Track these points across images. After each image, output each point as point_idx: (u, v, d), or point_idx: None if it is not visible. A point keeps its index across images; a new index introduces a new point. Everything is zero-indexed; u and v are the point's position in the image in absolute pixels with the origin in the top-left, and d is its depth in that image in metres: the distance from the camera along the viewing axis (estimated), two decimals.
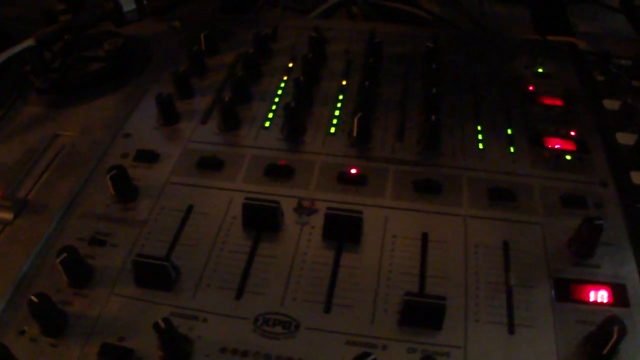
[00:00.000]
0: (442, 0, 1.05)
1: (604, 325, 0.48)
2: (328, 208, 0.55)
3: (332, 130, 0.66)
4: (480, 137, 0.66)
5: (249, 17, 0.91)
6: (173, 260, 0.54)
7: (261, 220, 0.56)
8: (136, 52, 0.80)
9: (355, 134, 0.64)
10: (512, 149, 0.65)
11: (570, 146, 0.65)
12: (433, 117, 0.62)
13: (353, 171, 0.62)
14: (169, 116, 0.68)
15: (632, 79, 0.75)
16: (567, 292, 0.52)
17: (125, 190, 0.60)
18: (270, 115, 0.69)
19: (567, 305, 0.51)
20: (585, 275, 0.53)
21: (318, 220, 0.56)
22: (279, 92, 0.72)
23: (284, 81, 0.74)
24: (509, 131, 0.67)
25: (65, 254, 0.52)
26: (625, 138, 0.67)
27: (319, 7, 0.92)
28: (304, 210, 0.58)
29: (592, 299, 0.52)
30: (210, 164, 0.63)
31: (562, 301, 0.52)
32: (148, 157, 0.64)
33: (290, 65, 0.77)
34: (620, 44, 0.91)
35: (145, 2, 0.78)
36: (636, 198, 0.61)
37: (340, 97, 0.71)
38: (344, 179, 0.61)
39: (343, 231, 0.55)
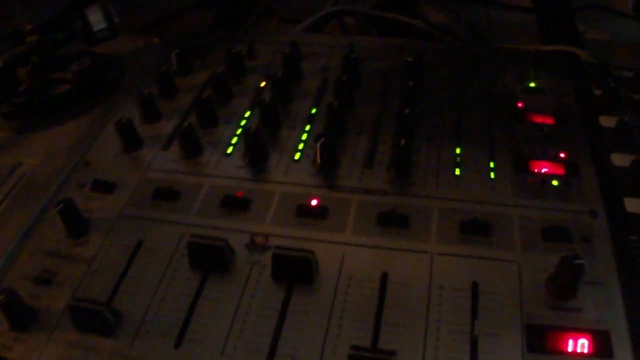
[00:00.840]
0: (445, 10, 1.00)
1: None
2: (276, 247, 0.51)
3: (297, 156, 0.62)
4: (457, 160, 0.60)
5: (233, 34, 0.87)
6: (115, 302, 0.51)
7: (208, 260, 0.52)
8: (108, 72, 0.77)
9: (318, 160, 0.59)
10: (492, 175, 0.59)
11: (559, 170, 0.59)
12: (402, 142, 0.57)
13: (314, 203, 0.57)
14: (130, 143, 0.64)
15: (634, 93, 0.68)
16: (541, 341, 0.47)
17: (75, 224, 0.57)
18: (234, 140, 0.65)
19: (539, 358, 0.46)
20: (563, 321, 0.48)
21: (270, 259, 0.52)
22: (247, 114, 0.68)
23: (253, 102, 0.69)
24: (491, 154, 0.61)
25: (3, 296, 0.49)
26: (620, 159, 0.61)
27: (307, 20, 0.87)
28: (256, 247, 0.54)
29: (570, 348, 0.46)
30: (165, 195, 0.59)
31: (534, 352, 0.46)
32: (104, 187, 0.61)
33: (263, 84, 0.72)
34: (630, 52, 0.85)
35: (116, 20, 0.74)
36: (629, 229, 0.54)
37: (311, 119, 0.66)
38: (303, 211, 0.56)
39: (293, 272, 0.51)
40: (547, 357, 0.46)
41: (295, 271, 0.50)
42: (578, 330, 0.47)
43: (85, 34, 0.74)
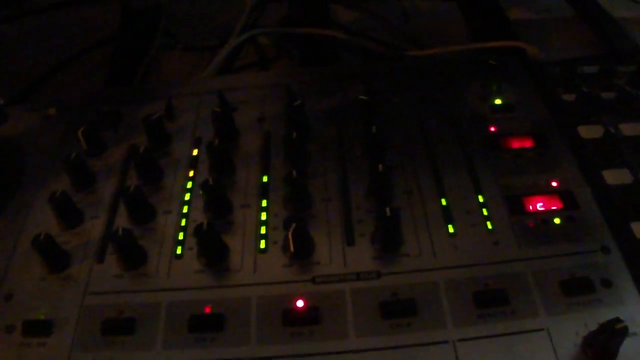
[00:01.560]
0: (357, 8, 0.91)
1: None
2: None
3: (262, 244, 0.52)
4: (447, 216, 0.53)
5: (139, 89, 0.74)
6: None
7: None
8: (3, 164, 0.63)
9: (292, 249, 0.50)
10: (489, 225, 0.52)
11: (556, 204, 0.53)
12: (388, 211, 0.49)
13: (300, 304, 0.48)
14: (54, 261, 0.52)
15: (603, 91, 0.62)
16: None
17: None
18: (181, 235, 0.54)
19: None
20: None
21: None
22: (187, 196, 0.57)
23: (190, 179, 0.58)
24: (481, 198, 0.54)
25: None
26: (614, 176, 0.55)
27: (217, 55, 0.75)
28: None
29: None
30: (117, 327, 0.48)
31: None
32: (39, 328, 0.49)
33: (195, 152, 0.61)
34: (559, 25, 0.80)
35: (2, 102, 0.61)
36: None
37: (264, 191, 0.57)
38: (291, 319, 0.47)
39: None
40: None
41: None
42: None
43: None
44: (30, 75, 0.83)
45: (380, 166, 0.53)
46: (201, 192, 0.54)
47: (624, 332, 0.43)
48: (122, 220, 0.55)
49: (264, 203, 0.55)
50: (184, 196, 0.57)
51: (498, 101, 0.62)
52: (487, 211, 0.53)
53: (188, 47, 0.86)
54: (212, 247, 0.51)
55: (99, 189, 0.59)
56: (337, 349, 0.45)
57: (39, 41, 0.90)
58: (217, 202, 0.54)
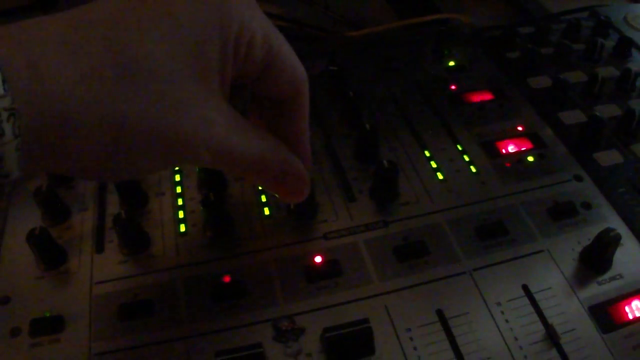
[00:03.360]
0: (279, 2, 0.93)
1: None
2: (325, 329, 0.43)
3: (267, 212, 0.53)
4: (434, 164, 0.56)
5: None
6: None
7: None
8: None
9: (294, 209, 0.52)
10: (473, 169, 0.56)
11: (526, 144, 0.58)
12: (386, 164, 0.51)
13: (318, 260, 0.49)
14: (51, 257, 0.50)
15: (541, 47, 0.69)
16: (609, 319, 0.46)
17: None
18: (181, 214, 0.54)
19: (616, 335, 0.45)
20: (614, 292, 0.48)
21: (312, 343, 0.44)
22: (177, 177, 0.57)
23: None
24: (459, 147, 0.58)
25: None
26: (569, 117, 0.61)
27: None
28: (287, 335, 0.45)
29: (630, 315, 0.47)
30: (136, 311, 0.47)
31: (609, 331, 0.45)
32: (50, 326, 0.46)
33: None
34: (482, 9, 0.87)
35: None
36: (614, 184, 0.55)
37: None
38: (313, 274, 0.48)
39: (353, 350, 0.43)
40: (621, 332, 0.45)
41: (355, 348, 0.43)
42: (629, 296, 0.47)
43: None
44: None
45: (367, 125, 0.55)
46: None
47: (617, 239, 0.48)
48: (114, 209, 0.54)
49: None
50: (174, 177, 0.57)
51: (451, 63, 0.67)
52: (468, 157, 0.57)
53: None
54: (218, 218, 0.51)
55: (81, 183, 0.57)
56: (366, 294, 0.47)
57: None
58: (213, 176, 0.54)
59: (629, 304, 0.47)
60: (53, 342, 0.45)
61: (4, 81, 0.27)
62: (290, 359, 0.44)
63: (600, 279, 0.48)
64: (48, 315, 0.47)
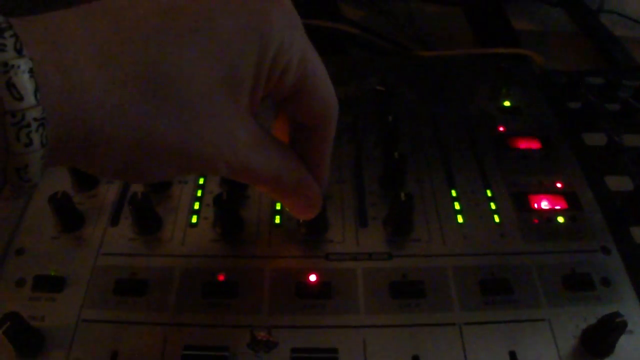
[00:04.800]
0: (364, 7, 0.93)
1: None
2: (293, 350, 0.43)
3: (277, 220, 0.54)
4: (457, 206, 0.55)
5: None
6: None
7: None
8: None
9: (304, 224, 0.52)
10: (497, 218, 0.54)
11: (560, 203, 0.56)
12: (403, 196, 0.51)
13: (312, 279, 0.49)
14: (69, 220, 0.53)
15: (607, 102, 0.65)
16: None
17: (26, 342, 0.45)
18: (197, 205, 0.55)
19: None
20: None
21: (281, 358, 0.44)
22: None
23: None
24: (489, 192, 0.56)
25: None
26: (616, 183, 0.58)
27: None
28: (260, 345, 0.45)
29: None
30: (130, 288, 0.49)
31: None
32: (50, 284, 0.49)
33: None
34: (561, 39, 0.83)
35: None
36: None
37: None
38: (304, 291, 0.48)
39: None
40: None
41: None
42: None
43: None
44: None
45: (396, 153, 0.54)
46: None
47: (622, 326, 0.45)
48: (137, 187, 0.56)
49: None
50: None
51: (507, 103, 0.64)
52: (495, 205, 0.55)
53: None
54: (229, 217, 0.52)
55: None
56: (349, 323, 0.47)
57: None
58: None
59: None
60: (49, 300, 0.48)
61: (36, 90, 0.27)
62: None
63: None
64: (52, 274, 0.49)
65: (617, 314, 0.45)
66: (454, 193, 0.56)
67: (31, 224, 0.54)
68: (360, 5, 0.97)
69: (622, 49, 0.82)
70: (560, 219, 0.54)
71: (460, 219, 0.54)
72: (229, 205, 0.51)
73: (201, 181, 0.57)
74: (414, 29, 0.91)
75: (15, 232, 0.53)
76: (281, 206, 0.54)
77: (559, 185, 0.57)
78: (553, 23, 0.94)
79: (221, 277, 0.49)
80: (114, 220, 0.54)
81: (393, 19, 0.92)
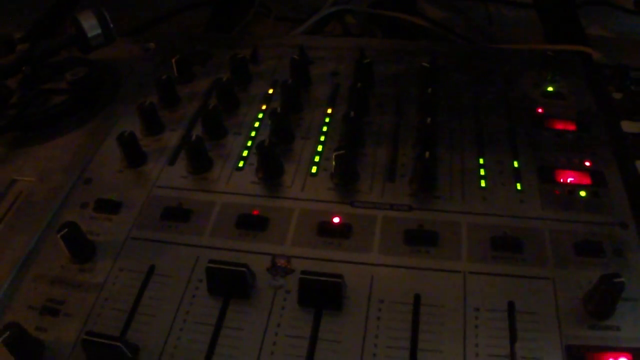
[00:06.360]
0: (444, 7, 0.97)
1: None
2: (302, 272, 0.48)
3: (314, 170, 0.59)
4: (482, 172, 0.58)
5: (232, 37, 0.83)
6: (130, 335, 0.47)
7: (228, 287, 0.49)
8: (104, 80, 0.73)
9: (336, 174, 0.57)
10: (519, 186, 0.57)
11: (585, 180, 0.57)
12: (427, 154, 0.55)
13: (336, 220, 0.54)
14: (133, 157, 0.61)
15: None
16: None
17: (80, 249, 0.53)
18: (245, 153, 0.61)
19: None
20: (603, 341, 0.46)
21: (294, 283, 0.49)
22: (256, 124, 0.65)
23: (262, 111, 0.66)
24: (516, 164, 0.59)
25: (8, 333, 0.45)
26: None
27: (308, 20, 0.84)
28: (278, 270, 0.51)
29: None
30: (175, 215, 0.56)
31: None
32: (109, 207, 0.57)
33: (271, 91, 0.69)
34: (635, 48, 0.83)
35: (111, 26, 0.70)
36: None
37: (325, 129, 0.63)
38: (325, 230, 0.53)
39: (322, 298, 0.48)
40: None
41: (324, 297, 0.48)
42: (618, 350, 0.45)
43: (79, 40, 0.69)
44: (138, 20, 0.93)
45: (429, 119, 0.58)
46: (269, 120, 0.61)
47: (620, 287, 0.46)
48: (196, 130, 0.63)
49: (322, 138, 0.62)
50: (254, 123, 0.65)
51: (550, 88, 0.67)
52: (519, 175, 0.58)
53: (280, 17, 0.94)
54: (270, 163, 0.58)
55: (181, 109, 0.67)
56: (361, 260, 0.51)
57: None
58: (282, 129, 0.61)
59: (615, 358, 0.45)
60: (106, 220, 0.56)
61: None
62: (271, 289, 0.50)
63: (594, 323, 0.47)
64: (111, 198, 0.57)
65: (616, 274, 0.46)
66: (481, 161, 0.59)
67: (101, 159, 0.62)
68: (440, 6, 1.01)
69: None
70: (582, 193, 0.56)
71: (483, 183, 0.57)
72: (271, 151, 0.57)
73: (253, 134, 0.63)
74: (491, 29, 0.94)
75: (87, 165, 0.62)
76: (319, 158, 0.60)
77: (587, 163, 0.59)
78: (627, 30, 0.94)
79: (255, 212, 0.55)
80: (172, 160, 0.61)
81: (470, 19, 0.96)
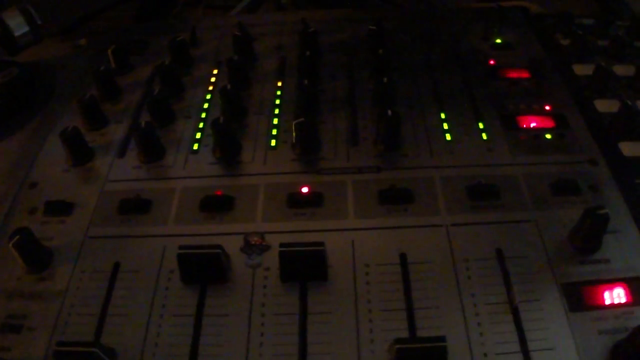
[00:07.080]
0: None
1: (634, 337, 0.40)
2: (281, 245, 0.45)
3: (273, 143, 0.56)
4: (445, 126, 0.57)
5: (166, 24, 0.80)
6: (105, 339, 0.43)
7: (203, 272, 0.46)
8: (37, 81, 0.67)
9: (298, 144, 0.54)
10: (484, 136, 0.56)
11: (548, 123, 0.57)
12: (390, 112, 0.53)
13: (304, 190, 0.52)
14: (79, 154, 0.56)
15: (598, 39, 0.67)
16: (580, 298, 0.44)
17: (36, 257, 0.48)
18: (198, 135, 0.58)
19: (583, 315, 0.43)
20: (595, 274, 0.45)
21: (273, 260, 0.46)
22: (205, 105, 0.61)
23: (210, 92, 0.63)
24: (477, 115, 0.58)
25: None
26: (604, 105, 0.59)
27: (242, 2, 0.81)
28: (253, 248, 0.48)
29: (607, 301, 0.44)
30: (134, 207, 0.52)
31: (577, 311, 0.43)
32: (60, 208, 0.53)
33: (215, 72, 0.66)
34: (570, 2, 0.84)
35: (39, 22, 0.65)
36: (631, 173, 0.53)
37: (278, 101, 0.61)
38: (295, 201, 0.51)
39: (305, 270, 0.45)
40: (590, 314, 0.43)
41: (307, 268, 0.45)
42: (612, 281, 0.45)
43: (5, 41, 0.64)
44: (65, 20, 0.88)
45: (385, 78, 0.57)
46: (220, 98, 0.58)
47: (605, 218, 0.46)
48: (144, 117, 0.60)
49: (277, 111, 0.59)
50: (203, 105, 0.61)
51: (498, 40, 0.66)
52: (483, 125, 0.57)
53: (209, 5, 0.90)
54: (226, 141, 0.54)
55: (124, 100, 0.63)
56: (339, 227, 0.49)
57: None
58: (234, 106, 0.58)
59: (610, 289, 0.45)
60: (59, 223, 0.52)
61: None
62: (249, 269, 0.47)
63: (583, 259, 0.47)
64: (62, 200, 0.53)
65: (600, 206, 0.46)
66: (442, 115, 0.58)
67: (47, 159, 0.58)
68: None
69: (623, 2, 0.83)
70: (548, 136, 0.56)
71: (448, 136, 0.56)
72: (227, 127, 0.54)
73: (203, 115, 0.60)
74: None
75: (32, 167, 0.57)
76: (277, 131, 0.57)
77: (547, 108, 0.58)
78: None
79: (219, 193, 0.52)
80: (121, 153, 0.57)
81: None
